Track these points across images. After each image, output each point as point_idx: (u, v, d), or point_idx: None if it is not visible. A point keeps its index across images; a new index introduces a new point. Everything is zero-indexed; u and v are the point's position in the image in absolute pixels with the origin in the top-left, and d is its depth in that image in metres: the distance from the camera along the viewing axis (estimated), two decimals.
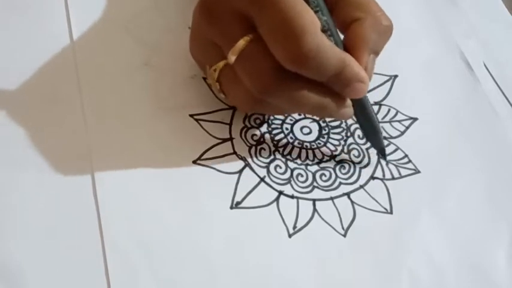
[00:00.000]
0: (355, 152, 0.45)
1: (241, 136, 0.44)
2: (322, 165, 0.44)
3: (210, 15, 0.40)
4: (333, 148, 0.45)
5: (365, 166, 0.44)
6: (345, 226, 0.41)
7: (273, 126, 0.45)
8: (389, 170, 0.44)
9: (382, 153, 0.44)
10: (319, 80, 0.39)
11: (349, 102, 0.42)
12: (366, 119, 0.43)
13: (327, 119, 0.46)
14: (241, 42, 0.39)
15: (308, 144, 0.44)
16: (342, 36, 0.41)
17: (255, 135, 0.44)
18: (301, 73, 0.38)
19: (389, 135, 0.46)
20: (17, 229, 0.38)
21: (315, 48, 0.37)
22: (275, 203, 0.42)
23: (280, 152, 0.44)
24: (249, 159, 0.43)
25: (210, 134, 0.43)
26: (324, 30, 0.39)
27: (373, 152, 0.45)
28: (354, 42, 0.40)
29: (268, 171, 0.43)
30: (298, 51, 0.37)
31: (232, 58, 0.39)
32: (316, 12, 0.39)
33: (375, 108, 0.47)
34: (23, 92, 0.43)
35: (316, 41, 0.37)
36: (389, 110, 0.47)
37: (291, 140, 0.44)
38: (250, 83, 0.39)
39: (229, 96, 0.42)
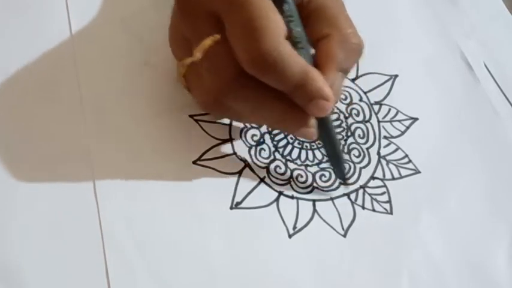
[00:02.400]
0: (355, 152, 0.45)
1: (241, 137, 0.44)
2: (322, 165, 0.44)
3: (185, 10, 0.40)
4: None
5: (365, 166, 0.44)
6: (345, 226, 0.41)
7: None
8: (390, 170, 0.44)
9: (342, 179, 0.43)
10: (281, 90, 0.38)
11: (313, 122, 0.40)
12: (329, 144, 0.42)
13: None
14: (208, 41, 0.39)
15: (308, 145, 0.44)
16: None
17: (255, 135, 0.44)
18: (261, 78, 0.38)
19: (389, 134, 0.46)
20: (17, 229, 0.38)
21: (275, 52, 0.37)
22: (275, 204, 0.42)
23: (280, 152, 0.44)
24: (249, 160, 0.43)
25: (210, 135, 0.43)
26: (294, 42, 0.38)
27: (373, 151, 0.45)
28: (321, 58, 0.39)
29: (268, 172, 0.43)
30: (256, 53, 0.37)
31: (197, 55, 0.39)
32: (289, 22, 0.38)
33: (376, 107, 0.47)
34: (23, 92, 0.43)
35: (276, 45, 0.37)
36: (389, 110, 0.47)
37: (290, 141, 0.44)
38: (211, 82, 0.39)
39: (192, 92, 0.42)
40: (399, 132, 0.46)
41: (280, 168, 0.43)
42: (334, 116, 0.46)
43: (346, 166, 0.44)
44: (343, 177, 0.43)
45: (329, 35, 0.39)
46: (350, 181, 0.43)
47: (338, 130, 0.45)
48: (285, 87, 0.38)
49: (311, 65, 0.38)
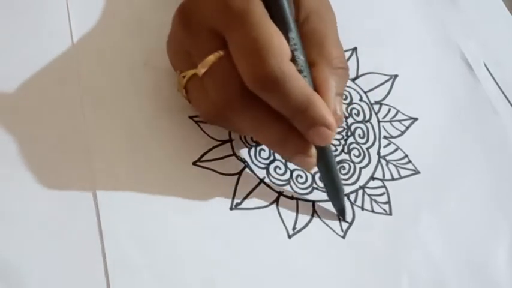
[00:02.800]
0: (355, 152, 0.45)
1: (240, 137, 0.44)
2: None
3: (187, 25, 0.40)
4: (333, 148, 0.45)
5: (365, 166, 0.44)
6: (344, 227, 0.42)
7: None
8: (389, 170, 0.44)
9: (341, 214, 0.42)
10: (283, 113, 0.38)
11: (313, 151, 0.39)
12: (328, 175, 0.41)
13: None
14: (211, 58, 0.39)
15: None
16: None
17: None
18: (263, 97, 0.38)
19: (389, 134, 0.46)
20: (17, 229, 0.39)
21: (279, 72, 0.36)
22: (275, 204, 0.42)
23: None
24: (249, 161, 0.43)
25: (210, 136, 0.43)
26: (298, 70, 0.38)
27: (373, 151, 0.45)
28: (317, 85, 0.39)
29: (268, 173, 0.43)
30: (260, 72, 0.37)
31: (201, 70, 0.39)
32: (294, 50, 0.38)
33: (376, 107, 0.47)
34: (23, 92, 0.43)
35: (280, 65, 0.37)
36: (389, 110, 0.47)
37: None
38: (215, 97, 0.39)
39: (193, 104, 0.42)
40: (399, 132, 0.46)
41: (280, 168, 0.43)
42: None
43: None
44: (342, 212, 0.42)
45: (318, 62, 0.39)
46: (347, 218, 0.42)
47: (338, 130, 0.45)
48: (286, 109, 0.38)
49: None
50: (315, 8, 0.40)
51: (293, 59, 0.38)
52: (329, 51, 0.40)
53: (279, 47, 0.37)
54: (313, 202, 0.42)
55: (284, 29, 0.38)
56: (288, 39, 0.38)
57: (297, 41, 0.39)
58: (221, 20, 0.38)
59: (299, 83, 0.37)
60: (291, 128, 0.38)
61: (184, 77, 0.41)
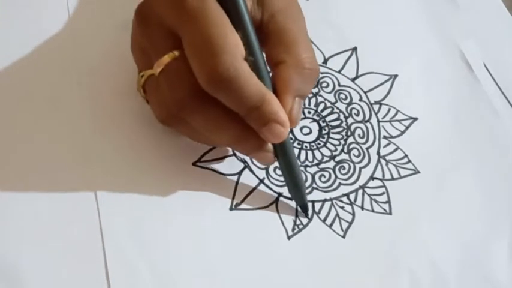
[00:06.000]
0: (355, 152, 0.45)
1: None
2: (322, 166, 0.44)
3: (144, 25, 0.40)
4: (332, 148, 0.45)
5: (365, 166, 0.44)
6: (344, 227, 0.42)
7: None
8: (389, 170, 0.44)
9: (303, 210, 0.42)
10: (236, 111, 0.38)
11: (270, 147, 0.40)
12: (287, 170, 0.41)
13: (327, 119, 0.46)
14: (166, 58, 0.38)
15: (307, 145, 0.44)
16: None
17: None
18: (216, 96, 0.37)
19: (389, 134, 0.46)
20: (17, 229, 0.39)
21: (232, 70, 0.36)
22: (274, 205, 0.42)
23: None
24: (249, 161, 0.43)
25: None
26: (252, 69, 0.38)
27: (373, 151, 0.45)
28: (278, 84, 0.39)
29: (268, 173, 0.43)
30: (213, 70, 0.36)
31: (157, 70, 0.39)
32: (247, 49, 0.38)
33: (376, 107, 0.47)
34: (23, 93, 0.43)
35: (234, 63, 0.36)
36: (389, 110, 0.47)
37: (290, 141, 0.44)
38: (169, 97, 0.39)
39: (150, 104, 0.42)
40: (399, 132, 0.46)
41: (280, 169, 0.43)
42: (334, 116, 0.46)
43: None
44: (303, 207, 0.42)
45: (285, 61, 0.39)
46: (309, 214, 0.42)
47: (338, 130, 0.45)
48: (240, 108, 0.38)
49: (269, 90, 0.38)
50: (281, 6, 0.40)
51: (247, 58, 0.38)
52: (298, 51, 0.39)
53: (232, 45, 0.36)
54: (313, 202, 0.42)
55: (239, 27, 0.38)
56: (242, 37, 0.38)
57: (252, 40, 0.38)
58: (176, 18, 0.38)
59: (252, 81, 0.37)
60: (246, 125, 0.38)
61: (142, 76, 0.41)
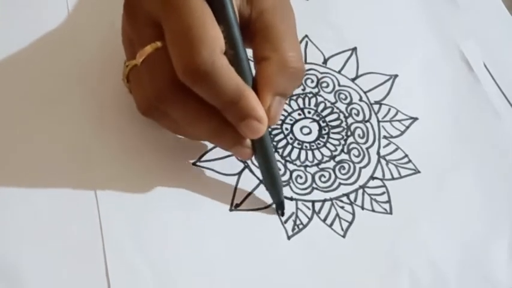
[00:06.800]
0: (355, 152, 0.45)
1: None
2: (322, 166, 0.44)
3: (130, 14, 0.40)
4: (332, 148, 0.45)
5: (365, 166, 0.44)
6: (344, 227, 0.42)
7: (273, 126, 0.45)
8: (389, 170, 0.44)
9: (279, 208, 0.42)
10: (213, 104, 0.37)
11: (248, 142, 0.39)
12: (265, 166, 0.41)
13: (327, 119, 0.46)
14: (148, 48, 0.38)
15: (308, 145, 0.44)
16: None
17: None
18: (193, 89, 0.37)
19: (389, 134, 0.46)
20: (17, 229, 0.39)
21: (210, 63, 0.36)
22: (274, 205, 0.42)
23: (280, 153, 0.44)
24: (249, 161, 0.43)
25: None
26: (231, 64, 0.37)
27: (373, 151, 0.45)
28: (259, 81, 0.39)
29: None
30: (190, 62, 0.36)
31: (139, 60, 0.39)
32: (227, 43, 0.37)
33: (376, 107, 0.47)
34: (23, 93, 0.43)
35: (212, 56, 0.36)
36: (389, 110, 0.47)
37: (290, 141, 0.44)
38: (149, 87, 0.39)
39: (133, 94, 0.42)
40: (399, 132, 0.46)
41: (280, 169, 0.43)
42: (334, 116, 0.46)
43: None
44: (279, 204, 0.42)
45: (269, 58, 0.38)
46: (285, 213, 0.42)
47: (338, 130, 0.45)
48: (217, 101, 0.37)
49: (249, 86, 0.38)
50: (270, 4, 0.40)
51: (227, 51, 0.37)
52: (283, 49, 0.39)
53: (212, 37, 0.36)
54: (313, 202, 0.42)
55: (221, 20, 0.37)
56: (224, 30, 0.37)
57: (234, 33, 0.38)
58: (160, 9, 0.38)
59: (230, 75, 0.37)
60: (225, 120, 0.38)
61: (127, 66, 0.41)
